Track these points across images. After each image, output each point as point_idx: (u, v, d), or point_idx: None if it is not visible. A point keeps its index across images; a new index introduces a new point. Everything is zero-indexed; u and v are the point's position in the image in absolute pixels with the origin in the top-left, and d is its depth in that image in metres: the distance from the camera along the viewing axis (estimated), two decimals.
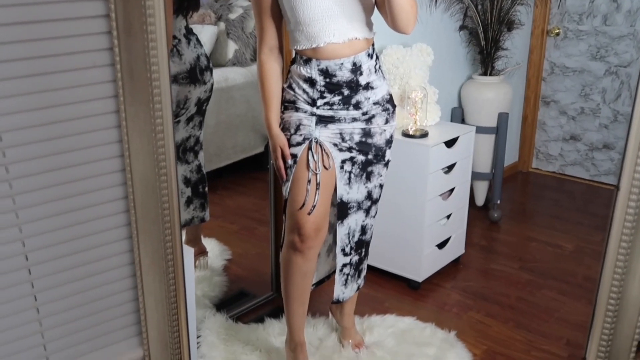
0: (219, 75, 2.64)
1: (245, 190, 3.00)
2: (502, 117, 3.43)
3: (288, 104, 1.98)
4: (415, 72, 2.87)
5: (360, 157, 1.99)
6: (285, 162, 1.99)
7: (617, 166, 4.03)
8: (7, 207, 1.14)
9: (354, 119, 1.95)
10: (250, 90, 3.01)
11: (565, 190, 4.08)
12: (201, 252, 2.72)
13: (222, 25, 3.07)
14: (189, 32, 2.43)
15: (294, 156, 1.96)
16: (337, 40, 1.85)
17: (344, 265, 2.14)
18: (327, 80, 1.90)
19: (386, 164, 2.08)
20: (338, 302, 2.24)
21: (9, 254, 1.17)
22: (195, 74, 2.41)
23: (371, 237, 2.21)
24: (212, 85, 2.53)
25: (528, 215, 3.74)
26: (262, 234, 2.82)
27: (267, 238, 2.75)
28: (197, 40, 2.47)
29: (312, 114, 1.94)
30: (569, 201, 3.91)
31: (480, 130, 3.38)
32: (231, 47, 3.08)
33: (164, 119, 1.20)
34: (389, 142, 2.06)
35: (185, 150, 2.51)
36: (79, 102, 1.15)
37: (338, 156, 1.97)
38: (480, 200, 3.76)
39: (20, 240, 1.17)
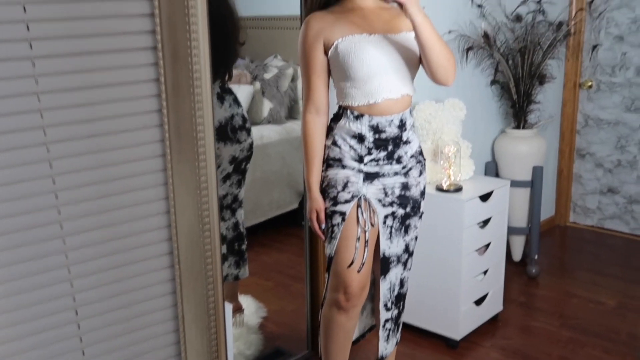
0: (254, 133, 2.69)
1: (281, 246, 3.02)
2: (537, 171, 3.41)
3: (333, 161, 1.97)
4: (448, 126, 2.89)
5: (400, 211, 2.00)
6: (320, 224, 2.00)
7: None
8: (60, 262, 1.18)
9: (396, 173, 1.97)
10: (285, 147, 3.07)
11: (604, 245, 3.99)
12: (237, 309, 2.72)
13: (257, 84, 3.16)
14: (225, 92, 2.47)
15: (342, 214, 1.95)
16: (393, 96, 1.89)
17: (386, 320, 2.12)
18: (377, 136, 1.92)
19: (421, 216, 2.09)
20: (382, 359, 2.20)
21: (59, 309, 1.20)
22: (225, 132, 2.44)
23: (407, 290, 2.19)
24: (251, 145, 2.56)
25: (567, 271, 3.66)
26: (297, 291, 2.82)
27: (302, 295, 2.74)
28: (235, 100, 2.52)
29: (360, 171, 1.95)
30: (609, 255, 3.81)
31: (515, 184, 3.36)
32: (266, 106, 3.16)
33: (208, 176, 1.24)
34: (423, 193, 2.07)
35: (222, 207, 2.54)
36: (130, 161, 1.20)
37: (382, 212, 1.97)
38: (517, 255, 3.70)
39: (71, 295, 1.21)
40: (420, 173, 2.04)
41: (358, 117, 1.92)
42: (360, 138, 1.92)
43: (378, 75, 1.86)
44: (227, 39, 2.38)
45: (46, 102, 1.12)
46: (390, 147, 1.94)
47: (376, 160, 1.94)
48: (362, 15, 1.92)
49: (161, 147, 1.21)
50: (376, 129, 1.91)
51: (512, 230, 3.52)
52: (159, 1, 1.12)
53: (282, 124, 3.16)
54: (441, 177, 2.83)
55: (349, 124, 1.93)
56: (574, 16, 3.80)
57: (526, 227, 3.56)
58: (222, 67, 2.43)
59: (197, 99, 1.17)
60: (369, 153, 1.93)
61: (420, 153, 2.05)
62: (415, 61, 1.92)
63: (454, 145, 2.82)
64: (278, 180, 3.09)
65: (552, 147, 4.13)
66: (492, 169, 3.49)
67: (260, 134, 2.97)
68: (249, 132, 2.56)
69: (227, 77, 2.49)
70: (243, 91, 3.05)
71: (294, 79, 3.24)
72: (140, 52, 1.16)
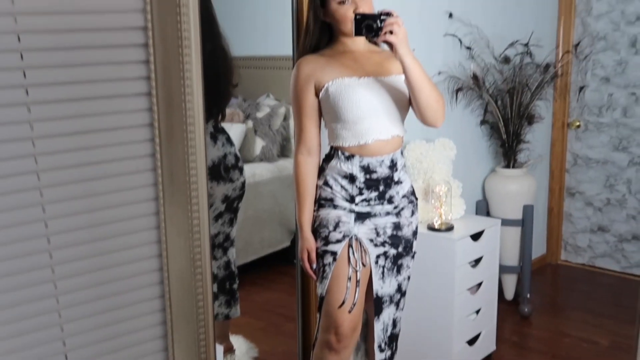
0: (246, 171, 2.71)
1: (273, 285, 3.00)
2: (527, 210, 3.44)
3: (324, 202, 1.99)
4: (439, 166, 2.93)
5: (392, 251, 2.01)
6: (311, 264, 2.01)
7: None
8: (50, 306, 1.18)
9: (387, 213, 1.99)
10: (277, 185, 3.08)
11: (596, 283, 3.99)
12: (228, 349, 2.70)
13: (250, 123, 3.19)
14: (218, 131, 2.49)
15: (333, 253, 1.96)
16: (383, 137, 1.92)
17: None
18: (367, 176, 1.94)
19: (413, 256, 2.10)
20: None
21: (47, 353, 1.19)
22: (218, 172, 2.46)
23: (400, 331, 2.18)
24: (243, 183, 2.58)
25: (560, 309, 3.65)
26: (289, 331, 2.80)
27: (294, 335, 2.72)
28: (228, 139, 2.54)
29: (351, 211, 1.96)
30: (601, 294, 3.82)
31: (505, 222, 3.38)
32: (258, 144, 3.18)
33: (201, 220, 1.25)
34: (415, 233, 2.08)
35: (214, 246, 2.54)
36: (122, 205, 1.21)
37: (373, 251, 1.98)
38: (509, 294, 3.69)
39: (61, 339, 1.20)
40: (413, 213, 2.06)
41: (349, 158, 1.94)
42: (351, 178, 1.94)
43: (368, 117, 1.90)
44: (221, 80, 2.42)
45: (41, 146, 1.14)
46: (381, 188, 1.96)
47: (367, 200, 1.96)
48: (353, 58, 1.96)
49: (154, 190, 1.23)
50: (367, 170, 1.93)
51: (503, 269, 3.53)
52: (154, 49, 1.15)
53: (274, 162, 3.18)
54: (432, 217, 2.85)
55: (340, 165, 1.96)
56: (560, 58, 3.89)
57: (518, 265, 3.57)
58: (215, 107, 2.45)
59: (190, 143, 1.19)
60: (360, 193, 1.95)
61: (412, 193, 2.07)
62: (405, 103, 1.96)
63: (444, 184, 2.85)
64: (270, 218, 3.09)
65: (542, 185, 4.17)
66: (483, 208, 3.51)
67: (253, 172, 2.99)
68: (241, 170, 2.58)
69: (220, 117, 2.51)
70: (235, 130, 3.07)
71: (286, 118, 3.28)
72: (135, 97, 1.19)
